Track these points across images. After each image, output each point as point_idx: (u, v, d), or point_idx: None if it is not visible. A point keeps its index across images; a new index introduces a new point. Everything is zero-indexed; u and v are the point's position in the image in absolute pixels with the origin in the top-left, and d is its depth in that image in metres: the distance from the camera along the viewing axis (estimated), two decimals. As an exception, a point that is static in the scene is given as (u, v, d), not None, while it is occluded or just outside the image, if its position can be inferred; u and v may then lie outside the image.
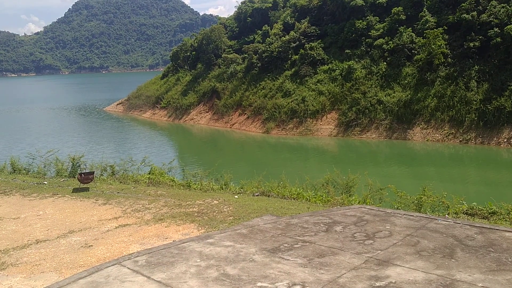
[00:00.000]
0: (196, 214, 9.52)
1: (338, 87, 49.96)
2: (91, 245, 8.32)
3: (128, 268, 5.90)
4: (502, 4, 42.16)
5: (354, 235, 6.48)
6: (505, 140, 36.90)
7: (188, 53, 74.94)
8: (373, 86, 47.49)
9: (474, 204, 12.00)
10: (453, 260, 5.54)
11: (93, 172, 15.35)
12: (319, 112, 49.77)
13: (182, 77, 72.89)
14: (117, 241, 8.39)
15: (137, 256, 6.29)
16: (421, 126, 42.23)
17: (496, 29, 40.88)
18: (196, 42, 74.52)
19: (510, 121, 37.43)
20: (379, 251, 5.86)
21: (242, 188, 15.65)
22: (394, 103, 44.62)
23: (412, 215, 7.56)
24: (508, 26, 39.83)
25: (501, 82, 39.24)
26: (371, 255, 5.75)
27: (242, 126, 55.73)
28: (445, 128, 40.74)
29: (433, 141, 40.61)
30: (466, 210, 11.51)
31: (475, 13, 43.61)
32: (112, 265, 6.04)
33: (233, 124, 57.10)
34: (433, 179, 32.76)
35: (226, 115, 59.05)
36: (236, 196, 11.63)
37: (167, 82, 75.70)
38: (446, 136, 40.23)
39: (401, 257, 5.64)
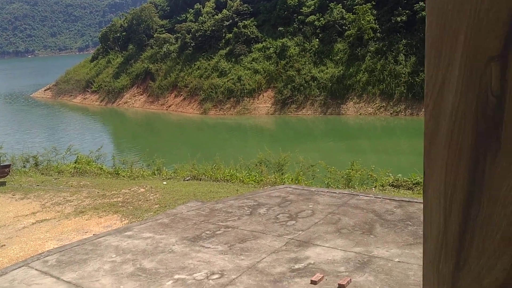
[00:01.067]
0: (120, 204, 9.11)
1: (273, 65, 50.04)
2: (4, 245, 7.73)
3: (36, 269, 5.47)
4: (426, -21, 43.67)
5: (277, 216, 6.40)
6: (432, 110, 38.65)
7: (118, 34, 72.04)
8: (307, 63, 47.98)
9: (399, 176, 12.39)
10: (372, 236, 5.59)
11: (9, 165, 14.31)
12: (256, 91, 49.73)
13: (113, 59, 70.08)
14: (32, 238, 7.85)
15: (47, 256, 5.86)
16: (353, 100, 43.31)
17: (421, 3, 42.28)
18: (126, 22, 71.71)
19: (435, 93, 39.21)
20: (300, 232, 5.80)
21: (175, 173, 15.28)
22: (328, 79, 45.37)
23: (335, 192, 7.60)
24: (432, 1, 41.39)
25: (427, 55, 40.87)
26: (292, 237, 5.68)
27: (179, 108, 54.68)
28: (377, 102, 42.04)
29: (366, 114, 41.82)
30: (392, 182, 11.85)
31: (401, -12, 44.88)
32: (18, 268, 5.58)
33: (169, 106, 55.87)
34: (367, 152, 33.90)
35: (162, 97, 57.63)
36: (164, 183, 11.27)
37: (97, 64, 72.53)
38: (377, 109, 41.54)
39: (321, 237, 5.62)
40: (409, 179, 11.89)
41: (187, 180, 12.24)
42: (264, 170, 14.65)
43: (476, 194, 1.01)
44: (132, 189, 10.16)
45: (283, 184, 11.12)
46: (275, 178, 13.86)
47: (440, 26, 1.09)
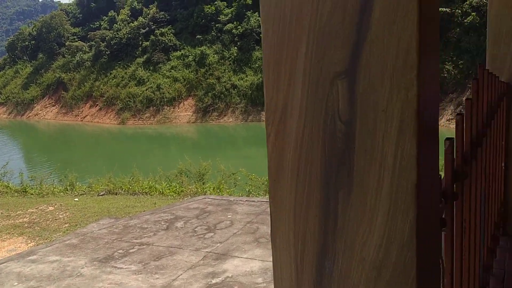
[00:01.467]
0: (26, 225, 8.38)
1: (192, 73, 49.67)
2: None
3: None
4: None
5: (195, 229, 6.21)
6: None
7: (27, 43, 67.72)
8: (227, 70, 48.19)
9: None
10: (290, 243, 5.55)
11: None
12: (176, 99, 49.06)
13: (22, 69, 65.75)
14: None
15: None
16: (273, 107, 44.06)
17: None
18: (35, 30, 67.61)
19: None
20: (218, 244, 5.66)
21: (89, 188, 14.49)
22: (248, 86, 45.86)
23: (254, 201, 7.55)
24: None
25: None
26: (210, 250, 5.52)
27: (95, 119, 52.48)
28: (295, 108, 43.13)
29: (286, 120, 42.70)
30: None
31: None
32: None
33: (84, 117, 53.45)
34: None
35: (76, 107, 55.00)
36: (76, 199, 10.58)
37: (4, 75, 67.61)
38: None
39: (240, 248, 5.51)
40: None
41: (102, 195, 11.61)
42: (184, 181, 14.34)
43: (330, 244, 0.82)
44: (40, 208, 9.41)
45: (204, 194, 10.91)
46: (196, 188, 13.60)
47: (278, 35, 0.90)
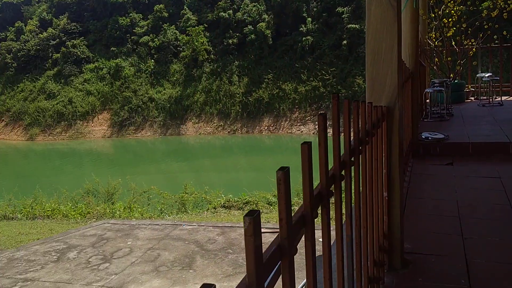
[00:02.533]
0: None
1: (107, 86, 47.87)
2: None
3: None
4: (253, 4, 46.34)
5: (89, 260, 5.73)
6: (266, 128, 40.90)
7: None
8: (144, 83, 47.00)
9: (230, 196, 12.54)
10: (191, 271, 5.31)
11: None
12: (90, 113, 46.95)
13: None
14: None
15: None
16: (193, 120, 43.63)
17: (250, 27, 44.73)
18: None
19: (268, 111, 41.60)
20: (113, 276, 5.25)
21: (-15, 213, 13.25)
22: (166, 100, 45.02)
23: (158, 224, 7.20)
24: (260, 24, 44.03)
25: (258, 75, 43.25)
26: (103, 283, 5.10)
27: (0, 135, 48.75)
28: (215, 121, 42.96)
29: (205, 134, 42.42)
30: (224, 203, 11.91)
31: (231, 11, 46.90)
32: None
33: (-13, 134, 49.43)
34: (209, 170, 34.25)
35: (-22, 124, 50.73)
36: (-39, 229, 9.56)
37: None
38: (216, 129, 42.46)
39: (137, 279, 5.15)
40: (240, 199, 12.09)
41: (-5, 221, 10.62)
42: (91, 201, 13.56)
43: None
44: None
45: (110, 216, 10.33)
46: (104, 208, 12.93)
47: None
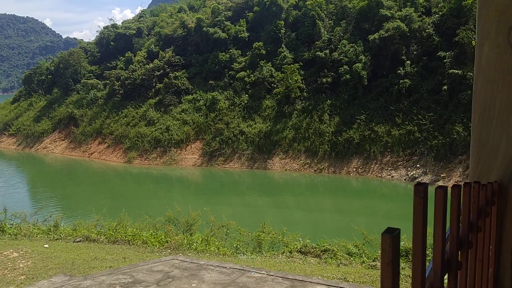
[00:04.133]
0: (-16, 272, 7.79)
1: (202, 117, 49.82)
2: None
3: None
4: (351, 44, 46.06)
5: (152, 297, 5.59)
6: (354, 169, 39.65)
7: (44, 77, 69.18)
8: (236, 117, 48.23)
9: (308, 241, 11.97)
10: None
11: None
12: (184, 142, 49.00)
13: (36, 102, 66.82)
14: None
15: None
16: (280, 156, 43.65)
17: (345, 67, 44.35)
18: (53, 66, 69.25)
19: (358, 152, 40.41)
20: (171, 318, 5.03)
21: (74, 230, 13.95)
22: (255, 134, 45.68)
23: (226, 267, 6.91)
24: (356, 64, 43.49)
25: (350, 115, 42.40)
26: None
27: (102, 156, 52.47)
28: (302, 158, 42.59)
29: (291, 170, 42.13)
30: (300, 248, 11.37)
31: (327, 51, 47.00)
32: None
33: (91, 153, 53.48)
34: (292, 208, 33.81)
35: (84, 143, 55.19)
36: (46, 245, 10.01)
37: (18, 107, 68.74)
38: (302, 166, 42.03)
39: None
40: (318, 245, 11.48)
41: (77, 241, 11.03)
42: (171, 230, 13.68)
43: None
44: (4, 253, 8.85)
45: (183, 248, 10.28)
46: (183, 239, 12.97)
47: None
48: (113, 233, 12.99)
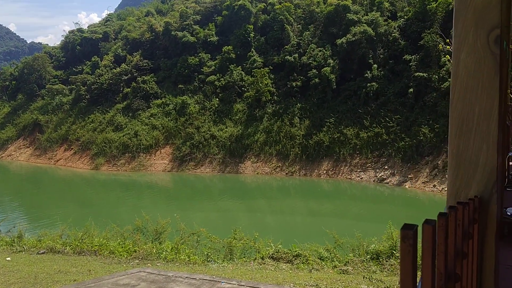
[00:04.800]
0: None
1: (172, 122, 49.29)
2: None
3: None
4: (319, 48, 46.48)
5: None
6: (324, 171, 39.96)
7: (7, 83, 67.08)
8: (207, 121, 47.93)
9: (280, 247, 11.89)
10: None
11: None
12: (153, 147, 48.33)
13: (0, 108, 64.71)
14: None
15: None
16: (251, 160, 43.60)
17: (314, 71, 44.71)
18: (17, 71, 67.25)
19: (328, 154, 40.75)
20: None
21: (39, 241, 13.46)
22: (227, 138, 45.50)
23: (195, 278, 6.73)
24: (324, 68, 43.90)
25: (320, 119, 42.75)
26: None
27: (68, 163, 51.19)
28: (273, 162, 42.66)
29: (263, 174, 42.13)
30: (272, 254, 11.28)
31: (296, 55, 47.31)
32: None
33: (57, 160, 52.11)
34: (264, 211, 33.73)
35: (50, 150, 53.74)
36: (8, 258, 9.59)
37: (-19, 114, 66.33)
38: (274, 169, 42.09)
39: None
40: (290, 250, 11.41)
41: (41, 253, 10.62)
42: (139, 239, 13.36)
43: None
44: (-38, 269, 8.42)
45: (152, 258, 10.03)
46: (151, 248, 12.69)
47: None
48: (78, 244, 12.59)
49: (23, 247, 11.40)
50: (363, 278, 7.85)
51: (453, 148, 1.94)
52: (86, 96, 55.61)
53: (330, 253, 11.51)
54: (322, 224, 24.80)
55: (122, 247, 12.72)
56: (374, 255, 10.87)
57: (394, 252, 10.67)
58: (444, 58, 36.30)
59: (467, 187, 1.88)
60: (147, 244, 13.12)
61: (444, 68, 37.06)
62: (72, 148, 52.26)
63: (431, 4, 40.70)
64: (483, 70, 1.84)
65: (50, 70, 64.13)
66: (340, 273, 9.24)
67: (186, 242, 13.64)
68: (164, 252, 12.39)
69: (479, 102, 1.88)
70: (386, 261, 10.19)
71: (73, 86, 58.40)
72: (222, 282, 6.49)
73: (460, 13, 1.82)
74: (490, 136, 1.85)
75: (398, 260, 10.64)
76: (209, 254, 12.39)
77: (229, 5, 55.40)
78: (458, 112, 1.94)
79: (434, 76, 37.42)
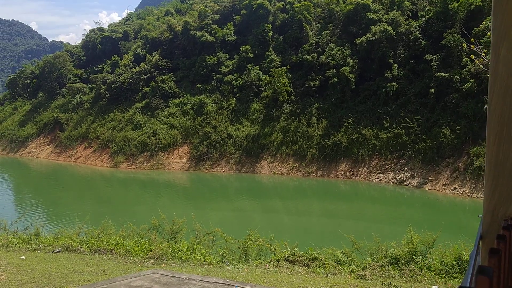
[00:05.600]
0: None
1: (189, 121, 49.44)
2: None
3: None
4: (338, 47, 46.03)
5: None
6: (342, 172, 39.55)
7: (28, 81, 68.23)
8: (224, 120, 47.93)
9: (296, 250, 11.70)
10: None
11: None
12: (171, 146, 48.55)
13: (21, 106, 65.85)
14: None
15: None
16: (268, 160, 43.42)
17: (333, 70, 44.27)
18: (38, 69, 68.33)
19: (346, 155, 40.31)
20: None
21: (56, 239, 13.52)
22: (243, 137, 45.41)
23: (209, 281, 6.61)
24: (343, 68, 43.44)
25: (338, 119, 42.32)
26: None
27: (88, 160, 51.78)
28: (290, 162, 42.41)
29: (279, 174, 41.91)
30: (288, 257, 11.10)
31: (315, 54, 46.92)
32: None
33: (77, 158, 52.76)
34: (280, 212, 33.53)
35: (70, 148, 54.45)
36: (23, 257, 9.61)
37: (3, 111, 67.69)
38: (290, 169, 41.83)
39: None
40: (306, 253, 11.21)
41: (57, 252, 10.63)
42: (155, 238, 13.32)
43: None
44: (-22, 266, 8.45)
45: (167, 258, 9.96)
46: (167, 247, 12.62)
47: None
48: (95, 242, 12.61)
49: (39, 245, 11.44)
50: (382, 284, 7.63)
51: (491, 157, 1.66)
52: (106, 95, 56.17)
53: (348, 257, 11.27)
54: (340, 226, 24.54)
55: (138, 246, 12.68)
56: (393, 260, 10.61)
57: (414, 257, 10.40)
58: (466, 58, 35.56)
59: (507, 202, 1.60)
60: (163, 243, 13.07)
61: (466, 69, 36.32)
62: (92, 146, 52.83)
63: (452, 4, 39.92)
64: None
65: (71, 69, 65.01)
66: (358, 278, 9.03)
67: (201, 242, 13.56)
68: (179, 252, 12.31)
69: None
70: (406, 266, 9.93)
71: (93, 85, 59.06)
72: (236, 286, 6.36)
73: (499, 3, 1.53)
74: None
75: (418, 266, 10.28)
76: (225, 254, 12.28)
77: (248, 4, 55.29)
78: (497, 116, 1.63)
79: (455, 76, 36.67)
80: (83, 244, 12.02)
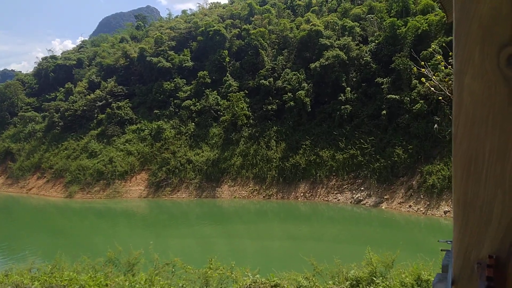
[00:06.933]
0: None
1: (147, 147, 48.89)
2: None
3: None
4: (294, 72, 47.09)
5: None
6: (302, 194, 40.02)
7: (-23, 110, 65.72)
8: (183, 145, 47.70)
9: (258, 277, 11.69)
10: None
11: None
12: (128, 173, 47.70)
13: (-32, 137, 63.14)
14: None
15: None
16: (228, 183, 43.39)
17: (289, 94, 45.19)
18: (-12, 99, 66.03)
19: (304, 177, 40.87)
20: None
21: (6, 276, 12.94)
22: (203, 162, 45.28)
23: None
24: (299, 92, 44.42)
25: (296, 141, 43.02)
26: None
27: (41, 191, 50.02)
28: (250, 185, 42.54)
29: (240, 197, 41.91)
30: (250, 285, 11.06)
31: (271, 79, 47.82)
32: None
33: (30, 189, 50.89)
34: (242, 236, 33.41)
35: (22, 179, 52.51)
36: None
37: (-51, 142, 64.57)
38: (251, 193, 41.94)
39: None
40: (267, 280, 11.22)
41: (8, 292, 10.19)
42: (111, 272, 12.98)
43: None
44: None
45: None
46: (124, 281, 12.32)
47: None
48: (47, 278, 12.17)
49: (-8, 284, 10.94)
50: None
51: (459, 196, 1.53)
52: (60, 123, 54.82)
53: (309, 282, 11.35)
54: (301, 248, 24.65)
55: (93, 281, 12.32)
56: (354, 282, 10.76)
57: (374, 278, 10.60)
58: (415, 80, 37.18)
59: (479, 244, 1.50)
60: (120, 276, 12.77)
61: (415, 90, 37.92)
62: (45, 176, 51.15)
63: (400, 29, 41.86)
64: (494, 97, 1.44)
65: (22, 97, 63.23)
66: (317, 302, 9.11)
67: (160, 273, 13.32)
68: (137, 285, 12.04)
69: (490, 138, 1.46)
70: (365, 288, 10.10)
71: (46, 113, 57.56)
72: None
73: (461, 26, 1.42)
74: (505, 180, 1.42)
75: (379, 287, 10.45)
76: (184, 286, 12.12)
77: (204, 30, 55.91)
78: (463, 150, 1.52)
79: (406, 98, 38.21)
80: (34, 281, 11.58)
